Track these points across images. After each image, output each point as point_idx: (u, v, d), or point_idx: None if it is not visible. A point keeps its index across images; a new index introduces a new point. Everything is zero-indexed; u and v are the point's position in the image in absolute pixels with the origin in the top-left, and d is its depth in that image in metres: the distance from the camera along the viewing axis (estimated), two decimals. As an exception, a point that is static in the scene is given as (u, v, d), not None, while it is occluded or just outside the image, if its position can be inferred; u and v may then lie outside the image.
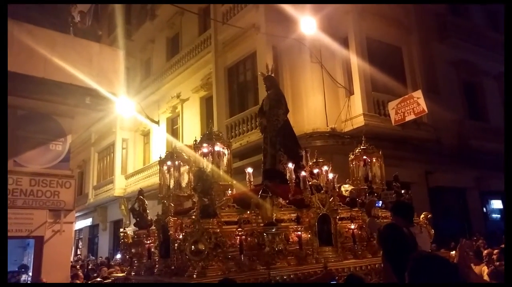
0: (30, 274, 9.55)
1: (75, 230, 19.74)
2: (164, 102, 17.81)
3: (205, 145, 5.66)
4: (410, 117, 11.08)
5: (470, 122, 14.58)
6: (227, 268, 4.65)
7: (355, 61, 11.56)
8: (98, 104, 9.67)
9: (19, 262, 10.75)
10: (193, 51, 15.88)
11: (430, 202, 11.95)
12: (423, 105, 10.87)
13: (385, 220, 5.83)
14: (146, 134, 19.74)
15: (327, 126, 11.44)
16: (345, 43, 11.96)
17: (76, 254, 21.15)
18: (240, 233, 4.86)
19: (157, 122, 17.16)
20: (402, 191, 6.60)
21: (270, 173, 6.96)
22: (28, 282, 9.43)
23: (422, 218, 6.40)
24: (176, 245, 4.99)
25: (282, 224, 5.29)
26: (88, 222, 23.22)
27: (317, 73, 11.80)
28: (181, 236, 4.96)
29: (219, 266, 4.59)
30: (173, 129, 17.59)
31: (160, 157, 6.53)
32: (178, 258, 4.98)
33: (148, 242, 5.70)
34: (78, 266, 11.74)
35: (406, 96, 11.38)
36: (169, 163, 6.27)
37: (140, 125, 18.99)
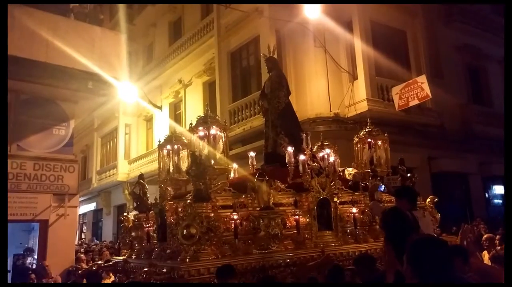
0: (36, 257, 9.68)
1: (79, 215, 19.89)
2: (167, 87, 17.74)
3: (200, 128, 5.56)
4: (414, 102, 11.00)
5: (474, 107, 14.49)
6: (221, 252, 4.63)
7: (359, 46, 11.44)
8: (101, 88, 9.67)
9: (24, 246, 10.90)
10: (196, 36, 15.74)
11: (433, 187, 11.94)
12: (427, 90, 10.78)
13: (388, 204, 5.83)
14: (149, 120, 19.72)
15: (331, 111, 11.39)
16: (349, 27, 11.82)
17: (80, 238, 21.37)
18: (234, 217, 4.82)
19: (160, 107, 17.12)
20: (408, 175, 6.52)
21: (271, 156, 6.91)
22: (34, 264, 9.56)
23: (428, 202, 6.37)
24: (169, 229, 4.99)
25: (280, 208, 5.26)
26: (92, 206, 23.39)
27: (321, 57, 11.70)
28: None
29: (212, 250, 4.56)
30: (176, 114, 17.56)
31: (159, 141, 6.52)
32: (173, 242, 4.99)
33: (147, 225, 5.73)
34: (82, 250, 11.87)
35: (410, 81, 11.29)
36: (168, 147, 6.27)
37: (143, 110, 18.95)
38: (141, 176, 6.44)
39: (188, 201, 4.84)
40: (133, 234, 6.20)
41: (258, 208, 5.04)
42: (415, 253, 2.05)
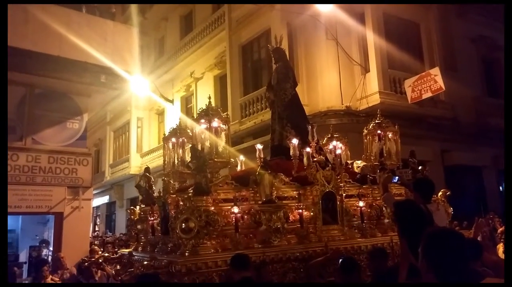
0: (51, 248, 9.85)
1: (93, 207, 20.15)
2: (178, 81, 17.80)
3: (202, 121, 5.43)
4: (427, 95, 10.88)
5: (488, 99, 14.26)
6: (221, 246, 4.55)
7: (371, 38, 11.32)
8: (113, 82, 9.74)
9: (40, 238, 11.10)
10: (207, 29, 15.73)
11: (446, 180, 11.82)
12: (440, 82, 10.65)
13: (399, 197, 5.76)
14: (160, 113, 19.82)
15: (342, 104, 11.32)
16: (361, 19, 11.69)
17: (94, 231, 21.66)
18: (235, 211, 4.72)
19: (172, 101, 17.18)
20: (419, 168, 6.38)
21: (277, 149, 6.78)
22: (49, 256, 9.73)
23: (440, 195, 6.28)
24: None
25: (284, 201, 5.15)
26: (105, 199, 23.68)
27: (333, 50, 11.61)
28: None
29: (212, 244, 4.49)
30: (187, 108, 17.61)
31: (164, 134, 6.47)
32: (173, 236, 4.90)
33: (152, 219, 5.69)
34: (97, 242, 12.04)
35: (423, 73, 11.16)
36: (173, 140, 6.23)
37: (155, 104, 19.05)
38: (147, 169, 6.42)
39: (189, 194, 4.76)
40: (138, 227, 6.20)
41: (260, 202, 4.96)
42: (431, 245, 2.01)
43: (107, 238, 14.53)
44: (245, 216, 4.87)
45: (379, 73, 11.21)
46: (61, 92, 9.88)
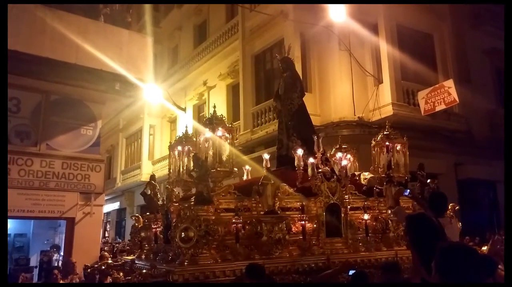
0: (62, 253, 9.93)
1: (104, 213, 20.29)
2: (191, 89, 17.94)
3: (206, 130, 5.32)
4: (440, 107, 10.80)
5: (503, 112, 14.07)
6: (221, 257, 4.49)
7: (385, 49, 11.30)
8: (127, 90, 9.86)
9: (51, 242, 11.19)
10: (220, 38, 15.87)
11: (459, 194, 11.67)
12: (454, 94, 10.56)
13: (407, 211, 5.65)
14: (173, 121, 19.96)
15: (355, 115, 11.28)
16: (374, 30, 11.69)
17: (104, 236, 21.77)
18: (236, 221, 4.65)
19: (184, 109, 17.32)
20: (428, 181, 6.21)
21: (283, 159, 6.72)
22: (60, 261, 9.80)
23: (449, 210, 6.17)
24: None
25: (287, 212, 5.07)
26: (115, 205, 23.81)
27: (346, 61, 11.61)
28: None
29: (212, 254, 4.44)
30: (200, 116, 17.72)
31: (170, 143, 6.46)
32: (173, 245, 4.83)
33: (155, 226, 5.65)
34: (106, 248, 12.09)
35: (437, 85, 11.08)
36: (179, 148, 6.19)
37: (167, 111, 19.19)
38: (152, 177, 6.44)
39: (190, 203, 4.70)
40: (142, 234, 6.19)
41: (262, 212, 4.88)
42: (444, 260, 1.99)
43: (117, 245, 14.59)
44: (246, 227, 4.78)
45: (392, 84, 11.16)
46: (76, 99, 10.04)
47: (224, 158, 5.25)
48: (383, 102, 11.22)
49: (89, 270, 7.72)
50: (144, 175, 19.49)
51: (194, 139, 6.10)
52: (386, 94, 11.20)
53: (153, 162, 19.73)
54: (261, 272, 3.95)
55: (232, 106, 15.09)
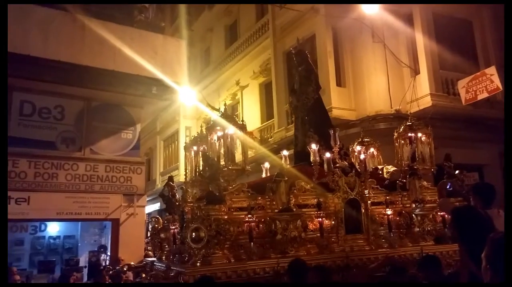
0: (109, 253, 10.31)
1: (146, 214, 20.86)
2: (224, 90, 18.11)
3: (218, 128, 5.18)
4: (482, 95, 10.38)
5: (551, 99, 13.39)
6: (234, 256, 4.39)
7: (421, 39, 10.97)
8: (164, 93, 10.12)
9: (98, 243, 11.63)
10: (251, 38, 15.94)
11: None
12: (497, 82, 10.13)
13: (429, 204, 5.44)
14: (208, 122, 20.21)
15: (391, 108, 11.02)
16: (409, 20, 11.39)
17: (146, 236, 22.37)
18: (249, 220, 4.53)
19: (218, 110, 17.43)
20: (456, 172, 5.84)
21: (300, 155, 6.55)
22: (107, 261, 10.17)
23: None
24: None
25: (303, 209, 4.93)
26: (156, 206, 24.37)
27: (380, 53, 11.37)
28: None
29: (224, 254, 4.35)
30: (234, 116, 17.86)
31: (186, 143, 6.43)
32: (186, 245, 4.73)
33: (173, 227, 5.59)
34: (149, 247, 12.42)
35: (478, 73, 10.66)
36: (194, 148, 6.15)
37: (202, 113, 19.48)
38: (170, 178, 6.42)
39: (202, 203, 4.64)
40: (162, 235, 6.19)
41: (276, 210, 4.76)
42: (496, 252, 1.94)
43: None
44: (260, 225, 4.69)
45: (430, 75, 10.83)
46: (115, 104, 10.40)
47: (236, 156, 5.10)
48: (421, 93, 10.91)
49: (110, 272, 7.99)
50: (182, 176, 19.83)
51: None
52: (423, 85, 10.88)
53: (191, 163, 20.07)
54: (303, 269, 3.95)
55: (266, 105, 15.12)
